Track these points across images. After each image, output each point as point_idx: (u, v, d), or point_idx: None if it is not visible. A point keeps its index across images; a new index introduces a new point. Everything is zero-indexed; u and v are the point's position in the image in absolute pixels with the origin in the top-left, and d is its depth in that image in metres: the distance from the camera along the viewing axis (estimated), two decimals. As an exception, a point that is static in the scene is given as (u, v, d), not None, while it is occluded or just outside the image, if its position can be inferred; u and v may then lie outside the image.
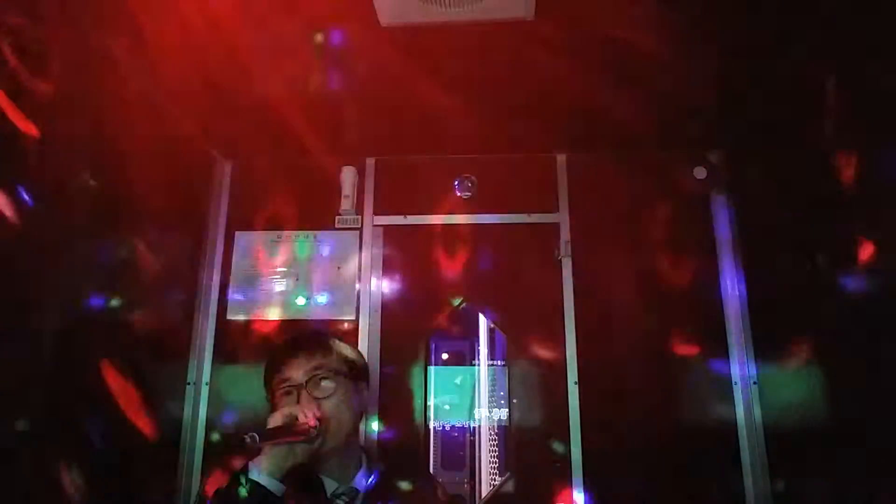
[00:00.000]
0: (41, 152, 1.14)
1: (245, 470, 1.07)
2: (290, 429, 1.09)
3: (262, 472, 1.06)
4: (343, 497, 1.21)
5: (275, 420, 1.10)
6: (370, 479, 1.26)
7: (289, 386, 1.23)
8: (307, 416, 1.12)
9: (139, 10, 1.22)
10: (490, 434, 1.74)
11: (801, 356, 1.41)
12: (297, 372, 1.23)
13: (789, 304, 1.46)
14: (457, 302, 1.81)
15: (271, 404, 1.27)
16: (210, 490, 1.07)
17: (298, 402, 1.20)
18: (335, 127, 1.74)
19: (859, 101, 1.14)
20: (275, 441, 1.07)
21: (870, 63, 1.11)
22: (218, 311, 1.80)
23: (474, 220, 1.85)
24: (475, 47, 1.35)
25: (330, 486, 1.21)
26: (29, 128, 1.11)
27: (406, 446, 1.70)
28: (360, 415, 1.32)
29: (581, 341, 1.71)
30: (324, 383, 1.24)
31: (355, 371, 1.31)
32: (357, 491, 1.23)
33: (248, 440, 0.99)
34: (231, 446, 1.03)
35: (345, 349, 1.34)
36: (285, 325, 1.78)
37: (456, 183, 1.88)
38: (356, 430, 1.30)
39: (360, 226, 1.86)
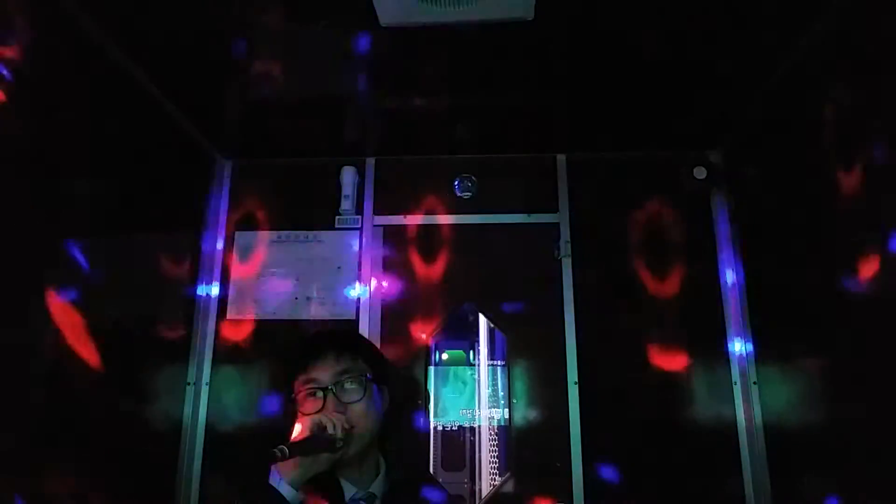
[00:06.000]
0: (39, 151, 1.14)
1: (266, 475, 1.07)
2: (317, 440, 1.09)
3: (282, 480, 1.06)
4: (361, 502, 1.20)
5: (302, 429, 1.09)
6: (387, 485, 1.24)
7: (314, 388, 1.21)
8: (336, 427, 1.11)
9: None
10: (490, 434, 1.74)
11: (801, 356, 1.41)
12: (324, 374, 1.21)
13: (789, 304, 1.46)
14: (457, 302, 1.80)
15: (292, 401, 1.24)
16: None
17: (324, 405, 1.18)
18: (335, 127, 1.74)
19: (859, 100, 1.14)
20: (303, 452, 1.07)
21: (869, 63, 1.11)
22: (218, 311, 1.80)
23: (474, 220, 1.85)
24: (475, 47, 1.35)
25: (348, 490, 1.20)
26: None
27: (406, 447, 1.70)
28: (381, 418, 1.28)
29: (581, 341, 1.71)
30: (351, 388, 1.21)
31: (381, 373, 1.30)
32: (375, 496, 1.22)
33: (279, 454, 1.00)
34: (261, 458, 1.05)
35: (371, 350, 1.33)
36: (285, 325, 1.78)
37: (456, 183, 1.88)
38: (377, 434, 1.26)
39: (360, 226, 1.86)
